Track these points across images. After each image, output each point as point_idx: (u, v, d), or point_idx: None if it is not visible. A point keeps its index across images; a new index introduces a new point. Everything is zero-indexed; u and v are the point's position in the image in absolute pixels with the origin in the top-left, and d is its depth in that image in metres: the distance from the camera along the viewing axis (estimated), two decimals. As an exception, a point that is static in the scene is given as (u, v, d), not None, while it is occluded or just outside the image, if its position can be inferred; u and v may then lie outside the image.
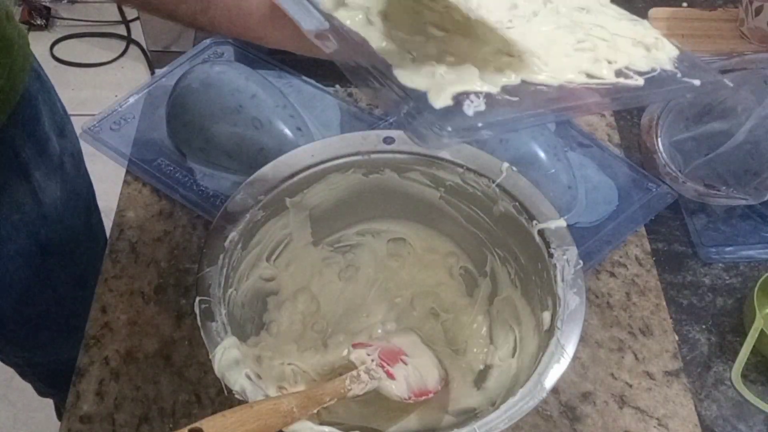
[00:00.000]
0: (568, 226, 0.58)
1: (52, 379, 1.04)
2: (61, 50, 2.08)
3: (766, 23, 0.92)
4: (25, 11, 2.08)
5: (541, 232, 0.57)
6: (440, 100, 0.40)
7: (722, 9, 0.99)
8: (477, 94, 0.41)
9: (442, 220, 0.67)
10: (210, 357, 0.50)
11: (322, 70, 0.85)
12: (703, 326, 0.71)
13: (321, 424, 0.48)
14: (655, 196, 0.76)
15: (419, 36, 0.44)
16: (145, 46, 2.03)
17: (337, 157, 0.62)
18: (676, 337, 0.69)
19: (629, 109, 0.87)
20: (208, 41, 0.88)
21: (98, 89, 2.00)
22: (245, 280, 0.60)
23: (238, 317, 0.58)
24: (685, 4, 1.00)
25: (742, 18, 0.95)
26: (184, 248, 0.73)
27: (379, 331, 0.67)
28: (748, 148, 0.76)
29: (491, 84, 0.42)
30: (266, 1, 0.49)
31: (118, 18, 2.12)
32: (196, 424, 0.42)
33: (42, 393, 1.18)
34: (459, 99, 0.40)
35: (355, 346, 0.58)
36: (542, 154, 0.72)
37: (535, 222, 0.58)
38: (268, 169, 0.60)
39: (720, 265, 0.75)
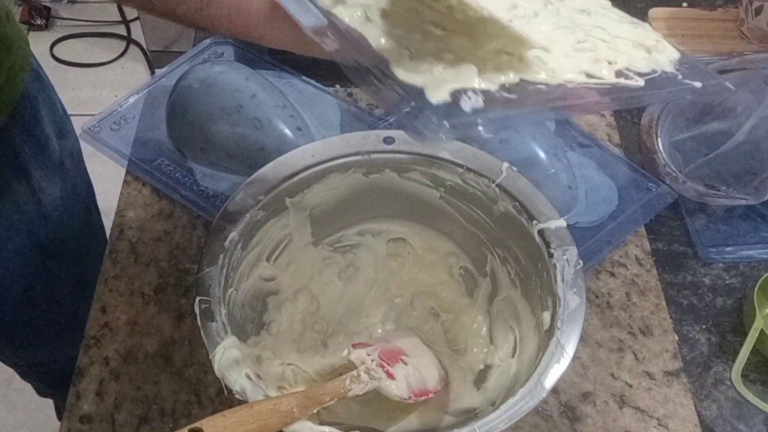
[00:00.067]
0: (568, 226, 0.58)
1: (52, 379, 1.04)
2: (61, 50, 2.08)
3: (766, 23, 0.92)
4: (25, 11, 2.08)
5: (541, 232, 0.57)
6: (438, 96, 0.40)
7: (722, 9, 0.99)
8: (475, 91, 0.41)
9: (442, 220, 0.67)
10: (210, 357, 0.50)
11: (322, 70, 0.85)
12: (703, 326, 0.71)
13: (321, 424, 0.48)
14: (655, 196, 0.76)
15: (418, 34, 0.44)
16: (145, 46, 2.03)
17: (337, 157, 0.62)
18: (676, 337, 0.69)
19: (629, 109, 0.87)
20: (208, 41, 0.88)
21: (98, 89, 2.00)
22: (245, 280, 0.60)
23: (238, 317, 0.58)
24: (685, 4, 1.00)
25: (742, 18, 0.95)
26: (184, 248, 0.73)
27: (379, 331, 0.67)
28: (748, 148, 0.76)
29: (489, 82, 0.42)
30: (266, 0, 0.49)
31: (118, 18, 2.12)
32: (196, 424, 0.42)
33: (42, 393, 1.18)
34: (456, 96, 0.40)
35: (355, 346, 0.58)
36: (542, 154, 0.72)
37: (535, 222, 0.58)
38: (268, 169, 0.60)
39: (720, 265, 0.75)
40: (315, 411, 0.50)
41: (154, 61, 2.02)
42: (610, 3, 0.56)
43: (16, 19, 0.69)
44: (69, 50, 2.09)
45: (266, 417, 0.45)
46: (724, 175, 0.77)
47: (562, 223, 0.58)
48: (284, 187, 0.60)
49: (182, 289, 0.70)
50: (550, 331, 0.53)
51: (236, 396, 0.48)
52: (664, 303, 0.71)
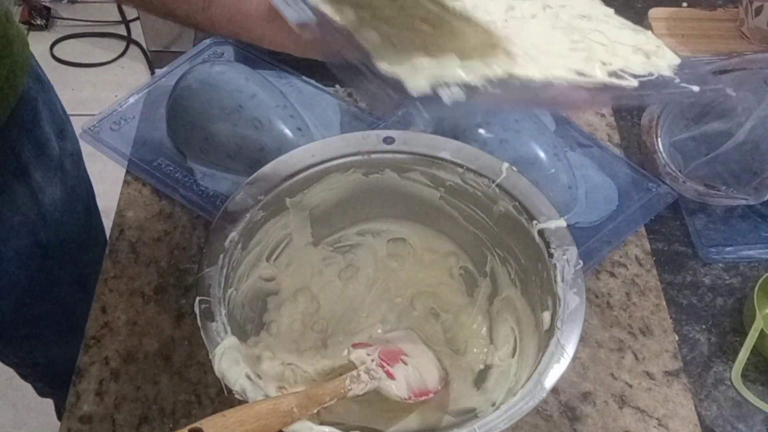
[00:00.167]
0: (568, 226, 0.58)
1: (52, 379, 1.03)
2: (61, 50, 2.08)
3: (766, 23, 0.92)
4: (25, 11, 2.08)
5: (541, 232, 0.57)
6: (418, 88, 0.40)
7: (722, 9, 0.99)
8: (457, 84, 0.41)
9: (442, 220, 0.67)
10: (210, 357, 0.50)
11: (322, 70, 0.83)
12: (703, 326, 0.71)
13: (321, 424, 0.48)
14: (655, 196, 0.76)
15: (404, 29, 0.44)
16: (145, 46, 2.03)
17: (337, 157, 0.62)
18: (676, 337, 0.69)
19: (629, 109, 0.87)
20: (208, 41, 0.88)
21: (98, 89, 2.00)
22: (245, 280, 0.60)
23: (238, 317, 0.58)
24: (685, 4, 1.00)
25: (742, 18, 0.95)
26: (184, 248, 0.73)
27: (379, 331, 0.67)
28: (748, 148, 0.76)
29: (474, 75, 0.42)
30: (265, 1, 0.49)
31: (118, 18, 2.13)
32: (196, 424, 0.42)
33: (42, 393, 1.17)
34: (438, 88, 0.40)
35: (355, 346, 0.58)
36: (542, 154, 0.72)
37: (535, 222, 0.58)
38: (268, 169, 0.60)
39: (720, 265, 0.75)
40: (315, 411, 0.50)
41: (154, 61, 2.02)
42: (613, 11, 0.56)
43: (16, 20, 0.68)
44: (69, 50, 2.09)
45: (266, 417, 0.45)
46: (724, 175, 0.77)
47: (562, 223, 0.58)
48: (284, 187, 0.60)
49: (182, 289, 0.70)
50: (550, 331, 0.53)
51: (236, 396, 0.48)
52: (664, 303, 0.71)
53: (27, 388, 1.14)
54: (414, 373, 0.58)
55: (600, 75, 0.46)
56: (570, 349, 0.51)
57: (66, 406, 0.63)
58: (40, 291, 0.81)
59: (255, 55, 0.86)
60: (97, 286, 0.70)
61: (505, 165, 0.61)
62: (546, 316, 0.55)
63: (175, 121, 0.77)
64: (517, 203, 0.59)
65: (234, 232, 0.57)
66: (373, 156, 0.62)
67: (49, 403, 1.26)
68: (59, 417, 1.24)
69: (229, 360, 0.50)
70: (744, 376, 0.67)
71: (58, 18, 2.15)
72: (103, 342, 0.66)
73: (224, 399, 0.62)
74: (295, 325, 0.65)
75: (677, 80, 0.49)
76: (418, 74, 0.41)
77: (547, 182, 0.70)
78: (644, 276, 0.73)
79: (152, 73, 2.03)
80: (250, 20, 0.50)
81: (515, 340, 0.61)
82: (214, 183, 0.75)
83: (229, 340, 0.51)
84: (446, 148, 0.62)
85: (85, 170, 0.87)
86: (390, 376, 0.55)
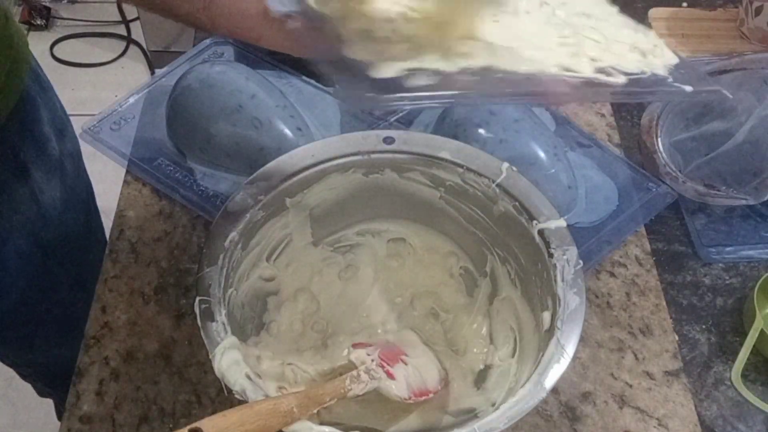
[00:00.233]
0: (568, 226, 0.58)
1: (52, 379, 1.04)
2: (61, 50, 2.08)
3: (766, 23, 0.92)
4: (25, 11, 2.08)
5: (541, 232, 0.57)
6: (384, 72, 0.40)
7: (722, 9, 0.99)
8: (430, 71, 0.41)
9: (442, 220, 0.67)
10: (210, 357, 0.50)
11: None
12: (703, 326, 0.71)
13: (321, 424, 0.48)
14: (655, 196, 0.76)
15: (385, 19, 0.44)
16: (145, 46, 2.03)
17: (337, 157, 0.62)
18: (676, 337, 0.69)
19: (629, 109, 0.87)
20: (208, 41, 0.88)
21: (98, 89, 2.00)
22: (245, 280, 0.60)
23: (238, 317, 0.58)
24: (685, 4, 1.00)
25: (742, 18, 0.95)
26: (184, 248, 0.73)
27: (379, 331, 0.66)
28: (748, 148, 0.76)
29: (450, 64, 0.42)
30: (263, 1, 0.49)
31: (118, 18, 2.12)
32: (196, 424, 0.42)
33: (42, 393, 1.18)
34: (409, 73, 0.40)
35: (355, 346, 0.58)
36: (542, 154, 0.72)
37: (535, 222, 0.58)
38: (268, 169, 0.60)
39: (720, 265, 0.75)
40: (315, 411, 0.50)
41: (154, 61, 2.02)
42: (617, 10, 0.55)
43: (16, 20, 0.69)
44: (69, 50, 2.09)
45: (266, 417, 0.45)
46: (724, 175, 0.77)
47: (562, 223, 0.58)
48: (284, 187, 0.60)
49: (182, 289, 0.70)
50: (550, 331, 0.53)
51: (236, 396, 0.48)
52: (664, 303, 0.71)
53: (27, 388, 1.14)
54: (414, 373, 0.58)
55: (586, 70, 0.46)
56: (570, 349, 0.51)
57: (66, 406, 0.63)
58: (40, 291, 0.81)
59: (255, 55, 0.86)
60: (97, 286, 0.70)
61: (505, 165, 0.61)
62: (546, 316, 0.55)
63: (175, 121, 0.77)
64: (517, 203, 0.59)
65: (234, 232, 0.57)
66: (373, 156, 0.62)
67: (49, 403, 1.26)
68: (59, 417, 1.24)
69: (229, 360, 0.50)
70: (744, 376, 0.67)
71: (58, 18, 2.15)
72: (103, 342, 0.66)
73: (224, 399, 0.62)
74: (295, 325, 0.65)
75: (670, 79, 0.49)
76: (388, 60, 0.41)
77: (547, 182, 0.70)
78: (644, 276, 0.73)
79: (152, 73, 2.03)
80: (249, 20, 0.51)
81: (515, 340, 0.61)
82: (214, 183, 0.75)
83: (229, 340, 0.51)
84: (446, 148, 0.62)
85: (85, 170, 0.87)
86: (390, 376, 0.55)
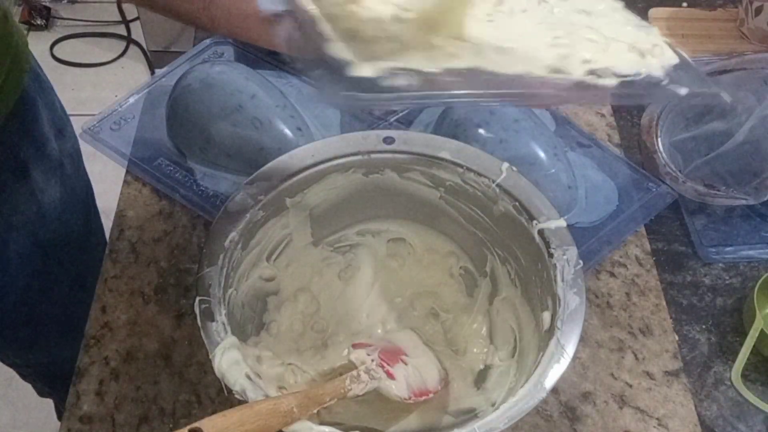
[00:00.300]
0: (568, 226, 0.58)
1: (52, 379, 1.04)
2: (61, 50, 2.08)
3: (766, 23, 0.92)
4: (25, 11, 2.08)
5: (541, 232, 0.57)
6: (363, 71, 0.40)
7: (722, 9, 0.99)
8: (413, 71, 0.41)
9: (442, 220, 0.67)
10: (210, 357, 0.50)
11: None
12: (703, 326, 0.71)
13: (321, 424, 0.48)
14: (655, 196, 0.76)
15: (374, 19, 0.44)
16: (145, 46, 2.03)
17: (337, 157, 0.62)
18: (676, 337, 0.69)
19: (629, 109, 0.87)
20: (208, 41, 0.88)
21: (98, 89, 2.00)
22: (245, 280, 0.60)
23: (238, 317, 0.58)
24: (685, 4, 1.00)
25: (742, 18, 0.95)
26: (184, 248, 0.73)
27: (379, 331, 0.67)
28: (748, 148, 0.76)
29: (434, 65, 0.42)
30: None
31: (118, 18, 2.12)
32: (196, 424, 0.42)
33: (42, 393, 1.18)
34: (390, 73, 0.40)
35: (355, 346, 0.58)
36: (542, 154, 0.72)
37: (535, 222, 0.58)
38: (268, 169, 0.60)
39: (720, 265, 0.75)
40: (315, 411, 0.50)
41: (154, 61, 2.02)
42: (622, 5, 0.54)
43: (16, 20, 0.69)
44: (69, 50, 2.09)
45: (266, 417, 0.45)
46: (724, 175, 0.77)
47: (562, 223, 0.58)
48: (284, 187, 0.60)
49: (182, 289, 0.70)
50: (550, 331, 0.53)
51: (236, 396, 0.48)
52: (664, 303, 0.71)
53: (27, 388, 1.14)
54: (414, 373, 0.58)
55: (576, 72, 0.45)
56: (570, 349, 0.51)
57: (66, 406, 0.63)
58: (40, 291, 0.81)
59: (255, 55, 0.86)
60: (97, 286, 0.70)
61: (505, 165, 0.61)
62: (546, 316, 0.55)
63: (175, 121, 0.77)
64: (517, 203, 0.59)
65: (234, 232, 0.57)
66: (373, 156, 0.62)
67: (49, 403, 1.26)
68: (59, 417, 1.24)
69: (229, 360, 0.50)
70: (744, 376, 0.67)
71: (58, 18, 2.15)
72: (103, 342, 0.66)
73: (224, 399, 0.62)
74: (295, 325, 0.65)
75: (665, 81, 0.48)
76: (371, 59, 0.40)
77: (547, 182, 0.70)
78: (644, 276, 0.73)
79: (152, 73, 2.03)
80: (248, 20, 0.51)
81: (515, 340, 0.61)
82: (214, 183, 0.75)
83: (229, 340, 0.51)
84: (446, 148, 0.62)
85: (84, 170, 0.87)
86: (390, 376, 0.55)
